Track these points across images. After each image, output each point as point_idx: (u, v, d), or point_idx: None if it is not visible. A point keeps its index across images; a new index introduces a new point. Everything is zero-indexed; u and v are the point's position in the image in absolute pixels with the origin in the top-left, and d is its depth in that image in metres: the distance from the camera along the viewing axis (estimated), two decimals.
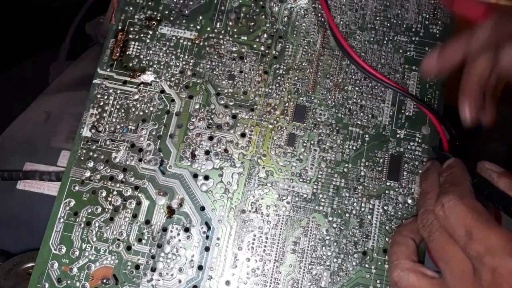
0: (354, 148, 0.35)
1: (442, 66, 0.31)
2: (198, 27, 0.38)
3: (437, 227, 0.27)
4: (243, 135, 0.36)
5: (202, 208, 0.34)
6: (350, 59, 0.36)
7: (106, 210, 0.34)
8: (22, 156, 0.43)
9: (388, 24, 0.38)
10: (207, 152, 0.35)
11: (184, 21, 0.38)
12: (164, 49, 0.38)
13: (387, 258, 0.32)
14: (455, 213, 0.25)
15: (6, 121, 0.46)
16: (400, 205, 0.34)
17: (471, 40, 0.29)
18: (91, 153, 0.35)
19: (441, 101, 0.36)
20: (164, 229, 0.34)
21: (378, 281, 0.33)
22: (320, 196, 0.34)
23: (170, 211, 0.34)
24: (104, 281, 0.33)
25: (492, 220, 0.24)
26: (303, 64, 0.37)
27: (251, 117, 0.36)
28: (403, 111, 0.36)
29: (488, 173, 0.29)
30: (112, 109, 0.36)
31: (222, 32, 0.38)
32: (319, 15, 0.38)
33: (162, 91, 0.37)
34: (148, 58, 0.37)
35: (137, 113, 0.36)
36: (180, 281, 0.33)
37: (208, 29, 0.38)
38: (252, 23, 0.38)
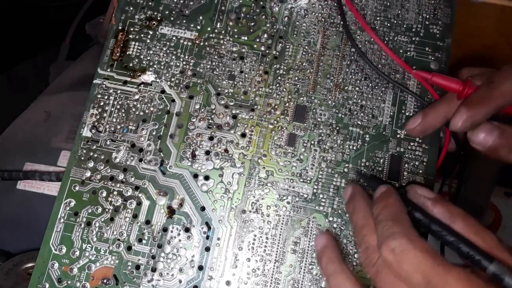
0: (354, 148, 0.35)
1: (425, 129, 0.34)
2: (199, 27, 0.38)
3: (383, 265, 0.26)
4: (243, 135, 0.36)
5: (203, 208, 0.34)
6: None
7: (107, 210, 0.34)
8: (22, 156, 0.43)
9: (388, 24, 0.38)
10: (207, 152, 0.35)
11: (184, 21, 0.38)
12: (164, 49, 0.38)
13: None
14: (409, 259, 0.24)
15: (6, 121, 0.46)
16: None
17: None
18: (92, 153, 0.35)
19: None
20: (165, 229, 0.34)
21: None
22: (321, 196, 0.34)
23: (171, 211, 0.34)
24: (105, 281, 0.33)
25: (445, 262, 0.23)
26: (304, 64, 0.37)
27: (251, 117, 0.36)
28: (403, 111, 0.36)
29: (421, 200, 0.29)
30: (112, 109, 0.36)
31: (223, 32, 0.38)
32: (319, 15, 0.38)
33: (163, 91, 0.37)
34: (149, 58, 0.37)
35: (137, 113, 0.36)
36: (180, 281, 0.33)
37: (209, 29, 0.38)
38: (253, 23, 0.38)
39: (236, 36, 0.38)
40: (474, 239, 0.25)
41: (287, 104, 0.36)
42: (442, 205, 0.27)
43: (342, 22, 0.38)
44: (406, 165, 0.35)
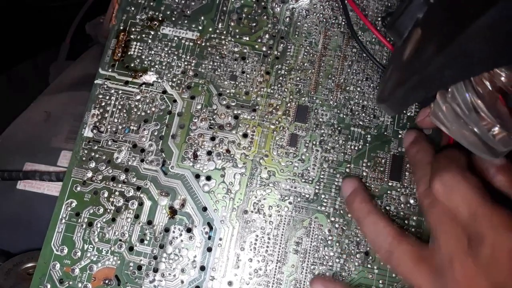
0: (356, 148, 0.35)
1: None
2: (200, 28, 0.38)
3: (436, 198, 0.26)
4: (245, 135, 0.36)
5: (204, 209, 0.34)
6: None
7: (108, 210, 0.34)
8: (22, 156, 0.43)
9: None
10: (209, 153, 0.35)
11: (186, 22, 0.38)
12: (166, 49, 0.38)
13: (366, 231, 0.31)
14: (458, 191, 0.25)
15: (6, 121, 0.46)
16: (402, 205, 0.34)
17: None
18: (93, 154, 0.35)
19: None
20: (166, 230, 0.34)
21: (380, 281, 0.33)
22: (322, 196, 0.34)
23: (172, 212, 0.34)
24: (106, 282, 0.33)
25: (494, 201, 0.24)
26: (305, 64, 0.37)
27: (253, 117, 0.36)
28: (404, 112, 0.36)
29: (485, 165, 0.28)
30: (113, 109, 0.36)
31: (224, 32, 0.38)
32: (321, 15, 0.38)
33: (164, 92, 0.37)
34: (150, 58, 0.37)
35: (139, 113, 0.36)
36: (182, 282, 0.33)
37: (210, 29, 0.38)
38: (254, 24, 0.38)
39: (237, 37, 0.38)
40: None
41: (288, 105, 0.36)
42: (503, 174, 0.27)
43: (345, 20, 0.38)
44: (407, 165, 0.35)
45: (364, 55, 0.37)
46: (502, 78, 0.24)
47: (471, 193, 0.24)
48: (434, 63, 0.23)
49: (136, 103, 0.36)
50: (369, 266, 0.33)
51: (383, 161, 0.35)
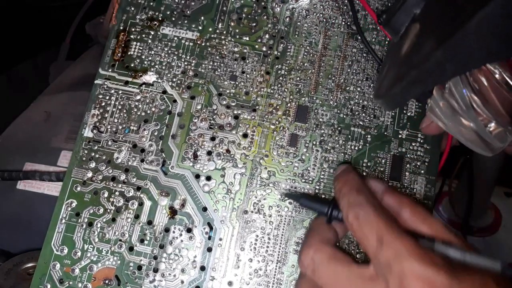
0: (356, 148, 0.35)
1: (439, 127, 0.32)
2: (200, 28, 0.38)
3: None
4: (245, 135, 0.36)
5: (204, 209, 0.34)
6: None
7: (108, 210, 0.34)
8: (22, 156, 0.43)
9: None
10: (209, 153, 0.35)
11: (186, 22, 0.38)
12: (166, 49, 0.38)
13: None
14: (368, 223, 0.25)
15: (6, 121, 0.46)
16: None
17: None
18: (93, 154, 0.35)
19: None
20: (166, 230, 0.34)
21: None
22: (323, 196, 0.34)
23: (172, 212, 0.34)
24: (106, 282, 0.33)
25: (401, 229, 0.24)
26: (305, 64, 0.37)
27: (253, 117, 0.36)
28: (405, 112, 0.36)
29: (374, 190, 0.29)
30: (114, 109, 0.36)
31: (224, 32, 0.38)
32: (321, 15, 0.38)
33: (164, 92, 0.37)
34: (150, 58, 0.37)
35: (139, 113, 0.36)
36: (182, 282, 0.33)
37: (210, 29, 0.38)
38: (254, 24, 0.38)
39: (237, 37, 0.38)
40: (421, 226, 0.26)
41: (288, 105, 0.36)
42: (391, 195, 0.28)
43: (345, 20, 0.38)
44: (408, 165, 0.35)
45: (365, 54, 0.37)
46: (496, 75, 0.24)
47: (378, 224, 0.25)
48: (433, 57, 0.23)
49: (136, 103, 0.36)
50: None
51: (383, 161, 0.35)
